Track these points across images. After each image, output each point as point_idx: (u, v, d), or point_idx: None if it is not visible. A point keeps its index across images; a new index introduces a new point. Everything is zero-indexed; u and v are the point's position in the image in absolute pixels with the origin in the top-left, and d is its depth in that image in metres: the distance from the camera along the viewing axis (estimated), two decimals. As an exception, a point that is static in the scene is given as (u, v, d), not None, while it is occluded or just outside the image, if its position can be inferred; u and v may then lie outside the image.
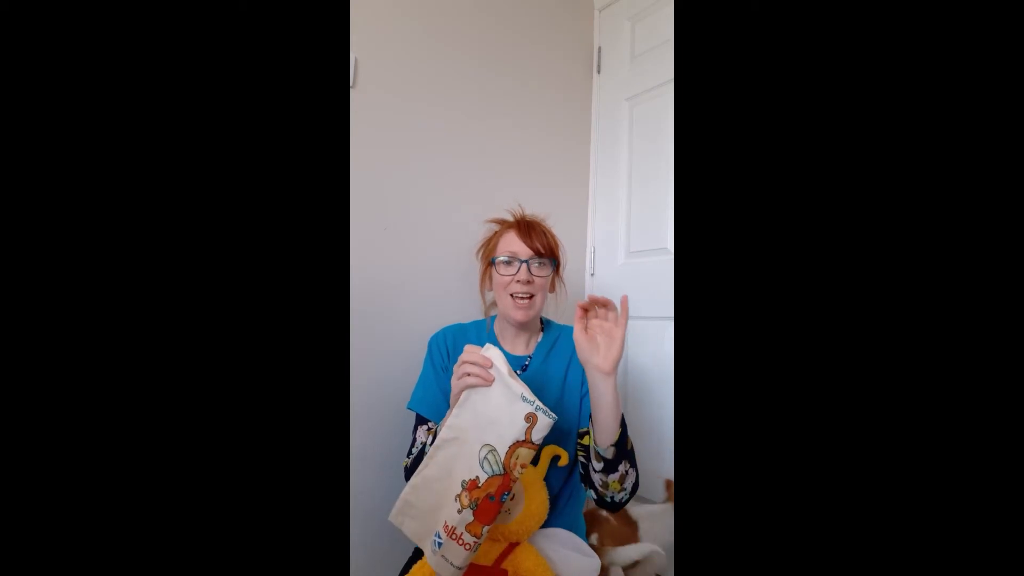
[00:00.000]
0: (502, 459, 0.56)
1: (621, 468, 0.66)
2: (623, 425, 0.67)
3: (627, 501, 0.69)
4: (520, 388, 0.58)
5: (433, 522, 0.58)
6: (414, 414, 0.81)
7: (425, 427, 0.77)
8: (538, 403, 0.57)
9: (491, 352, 0.59)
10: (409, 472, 0.75)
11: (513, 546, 0.63)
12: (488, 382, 0.58)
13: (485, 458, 0.57)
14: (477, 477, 0.57)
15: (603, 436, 0.66)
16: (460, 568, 0.56)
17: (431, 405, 0.79)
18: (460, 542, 0.56)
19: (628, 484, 0.68)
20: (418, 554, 0.70)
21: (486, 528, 0.56)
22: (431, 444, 0.61)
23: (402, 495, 0.59)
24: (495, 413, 0.58)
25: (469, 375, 0.58)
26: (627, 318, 0.63)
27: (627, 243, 1.33)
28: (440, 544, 0.57)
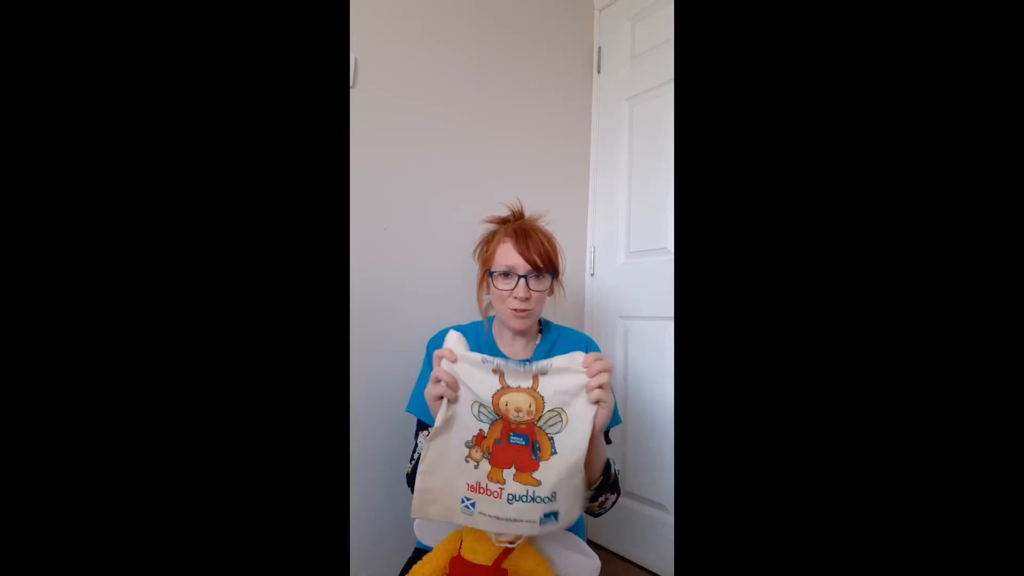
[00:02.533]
0: (491, 407, 0.61)
1: (600, 498, 0.72)
2: (606, 467, 0.70)
3: (606, 512, 0.77)
4: (476, 356, 0.62)
5: (454, 491, 0.60)
6: (414, 418, 0.80)
7: (425, 432, 0.77)
8: (496, 360, 0.62)
9: (449, 341, 0.63)
10: (411, 478, 0.75)
11: (513, 546, 0.63)
12: (455, 395, 0.61)
13: (479, 411, 0.61)
14: (481, 430, 0.61)
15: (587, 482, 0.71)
16: (498, 517, 0.59)
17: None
18: (488, 492, 0.60)
19: (608, 505, 0.75)
20: (418, 554, 0.70)
21: (507, 471, 0.60)
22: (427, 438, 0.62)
23: (417, 488, 0.61)
24: (467, 380, 0.62)
25: (440, 382, 0.61)
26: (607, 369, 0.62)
27: (627, 243, 1.33)
28: (472, 503, 0.59)
